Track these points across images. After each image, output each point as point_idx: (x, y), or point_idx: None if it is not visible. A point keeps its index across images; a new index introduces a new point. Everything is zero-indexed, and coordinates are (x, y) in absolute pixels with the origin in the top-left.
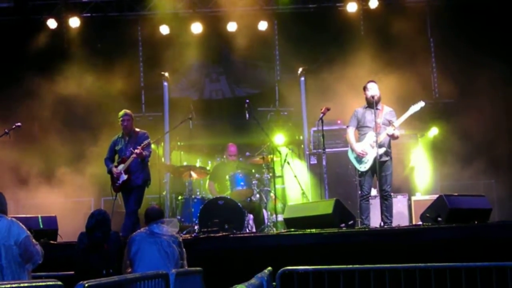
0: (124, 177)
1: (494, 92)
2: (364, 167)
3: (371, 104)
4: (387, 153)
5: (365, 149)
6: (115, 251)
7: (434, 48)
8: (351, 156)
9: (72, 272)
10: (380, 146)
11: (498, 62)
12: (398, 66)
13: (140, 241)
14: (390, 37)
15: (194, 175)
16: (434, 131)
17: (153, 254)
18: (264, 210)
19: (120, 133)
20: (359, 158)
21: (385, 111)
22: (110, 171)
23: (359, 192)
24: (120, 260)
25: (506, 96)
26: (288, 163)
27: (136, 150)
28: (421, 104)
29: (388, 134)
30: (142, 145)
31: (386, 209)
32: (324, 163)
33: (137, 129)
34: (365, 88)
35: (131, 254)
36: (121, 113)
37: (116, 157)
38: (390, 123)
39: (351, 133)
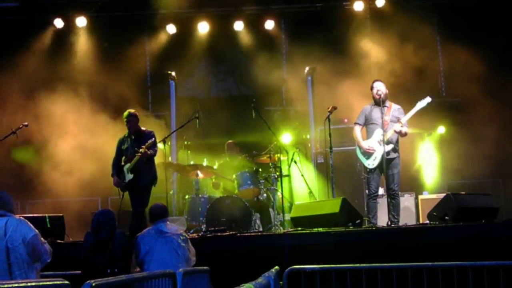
0: (130, 176)
1: (501, 90)
2: (372, 164)
3: (379, 102)
4: (395, 150)
5: (372, 146)
6: (121, 251)
7: (441, 46)
8: (359, 153)
9: (79, 272)
10: (387, 143)
11: (506, 60)
12: (405, 64)
13: (150, 241)
14: (397, 35)
15: (200, 174)
16: (441, 130)
17: (164, 253)
18: (271, 209)
19: (126, 133)
20: (368, 155)
21: (393, 108)
22: (112, 176)
23: (366, 191)
24: (126, 259)
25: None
26: (295, 162)
27: (140, 150)
28: (428, 99)
29: (395, 131)
30: (146, 144)
31: (393, 208)
32: (331, 162)
33: (143, 128)
34: (371, 87)
35: (142, 254)
36: (126, 113)
37: (123, 157)
38: (398, 120)
39: (357, 130)
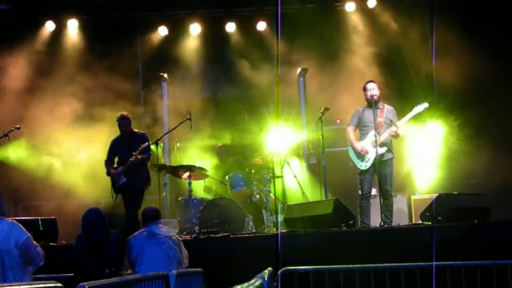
0: (124, 179)
1: (495, 90)
2: (364, 165)
3: (372, 103)
4: (389, 151)
5: (365, 147)
6: (116, 251)
7: (434, 46)
8: (352, 155)
9: (72, 274)
10: (382, 144)
11: (499, 61)
12: (397, 65)
13: (141, 243)
14: (389, 36)
15: (193, 176)
16: (433, 130)
17: (156, 256)
18: (264, 211)
19: (119, 135)
20: (360, 156)
21: (387, 109)
22: (108, 174)
23: (359, 192)
24: (121, 261)
25: (506, 94)
26: (288, 163)
27: (132, 157)
28: (425, 105)
29: (391, 134)
30: (140, 148)
31: (386, 209)
32: (323, 163)
33: (135, 130)
34: (364, 88)
35: (133, 256)
36: (118, 116)
37: (116, 159)
38: (391, 122)
39: (350, 131)
